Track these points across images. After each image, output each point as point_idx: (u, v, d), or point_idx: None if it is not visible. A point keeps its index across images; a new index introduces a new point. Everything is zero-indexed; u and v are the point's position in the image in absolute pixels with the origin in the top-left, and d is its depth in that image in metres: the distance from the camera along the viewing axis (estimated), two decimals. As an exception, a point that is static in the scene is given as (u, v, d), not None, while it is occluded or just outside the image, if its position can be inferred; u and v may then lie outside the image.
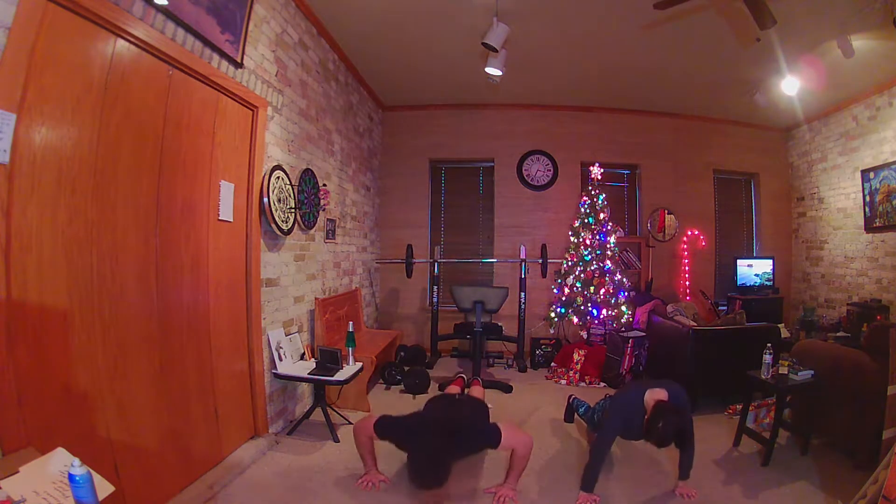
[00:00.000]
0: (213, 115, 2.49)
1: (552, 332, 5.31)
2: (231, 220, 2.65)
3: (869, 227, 4.86)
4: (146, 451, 2.01)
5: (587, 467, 2.38)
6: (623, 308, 4.85)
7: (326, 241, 3.98)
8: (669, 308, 4.63)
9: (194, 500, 2.17)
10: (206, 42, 2.33)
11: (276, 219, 2.94)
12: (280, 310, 3.16)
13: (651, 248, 5.79)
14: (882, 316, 4.32)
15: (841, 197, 5.28)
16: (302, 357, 3.27)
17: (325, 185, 3.83)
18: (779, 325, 4.27)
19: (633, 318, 4.89)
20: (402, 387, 4.18)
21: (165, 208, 2.16)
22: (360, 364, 3.29)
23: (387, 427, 2.34)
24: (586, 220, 5.06)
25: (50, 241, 1.61)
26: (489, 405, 3.14)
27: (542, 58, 4.37)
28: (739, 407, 3.11)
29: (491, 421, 2.46)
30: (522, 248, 5.21)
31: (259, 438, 2.84)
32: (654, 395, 2.34)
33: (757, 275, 5.79)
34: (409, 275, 5.15)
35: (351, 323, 3.52)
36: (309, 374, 3.02)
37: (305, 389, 3.50)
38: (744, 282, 5.77)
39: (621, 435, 2.49)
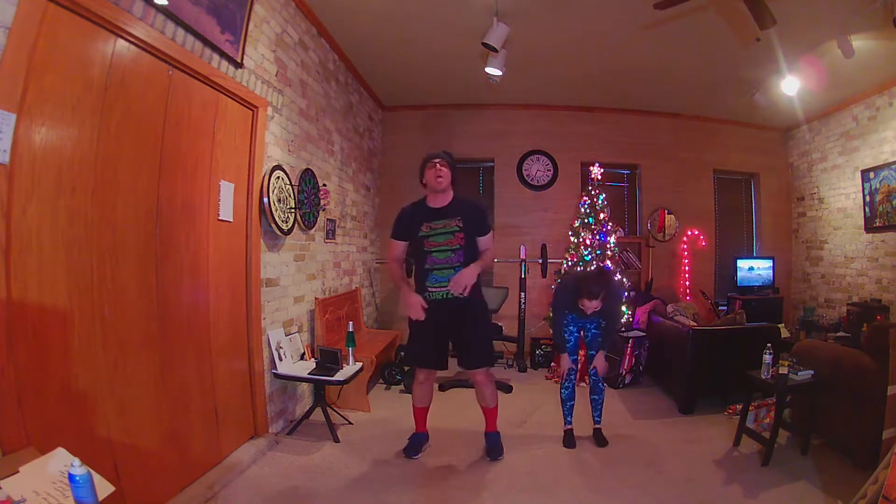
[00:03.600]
0: (213, 115, 2.49)
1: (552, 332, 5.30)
2: (231, 220, 2.65)
3: (869, 227, 4.86)
4: (146, 451, 2.01)
5: (553, 339, 3.38)
6: (623, 308, 4.84)
7: (326, 241, 3.98)
8: (669, 308, 4.62)
9: (194, 500, 2.17)
10: (206, 42, 2.33)
11: (276, 219, 2.94)
12: (280, 310, 3.16)
13: (651, 248, 5.79)
14: (882, 316, 4.32)
15: (841, 197, 5.28)
16: (302, 357, 3.27)
17: (325, 185, 3.83)
18: (779, 325, 4.26)
19: (633, 318, 4.88)
20: (401, 387, 4.18)
21: (165, 208, 2.16)
22: (360, 364, 3.29)
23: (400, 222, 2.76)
24: (586, 220, 5.05)
25: (50, 242, 1.61)
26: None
27: (542, 58, 4.37)
28: (739, 407, 3.10)
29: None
30: (522, 248, 5.21)
31: (259, 438, 2.84)
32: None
33: (757, 275, 5.79)
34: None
35: (351, 323, 3.53)
36: (309, 374, 3.03)
37: (305, 389, 3.50)
38: (744, 282, 5.76)
39: (570, 309, 3.01)
